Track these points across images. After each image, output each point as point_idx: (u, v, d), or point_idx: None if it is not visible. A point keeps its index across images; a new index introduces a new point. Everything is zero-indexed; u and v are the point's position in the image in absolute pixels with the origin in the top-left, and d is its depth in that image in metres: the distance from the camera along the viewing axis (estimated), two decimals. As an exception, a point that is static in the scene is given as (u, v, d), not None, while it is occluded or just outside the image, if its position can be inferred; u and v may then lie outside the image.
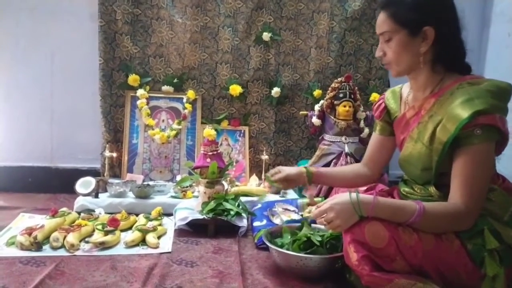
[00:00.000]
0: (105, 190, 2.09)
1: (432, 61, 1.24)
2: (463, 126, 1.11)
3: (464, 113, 1.11)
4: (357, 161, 2.20)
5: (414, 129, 1.27)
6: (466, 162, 1.13)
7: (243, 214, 1.81)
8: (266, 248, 1.54)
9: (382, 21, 1.25)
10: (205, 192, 1.83)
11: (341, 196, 1.19)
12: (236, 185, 2.25)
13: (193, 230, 1.79)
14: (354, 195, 1.16)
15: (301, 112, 2.50)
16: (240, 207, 1.83)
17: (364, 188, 1.48)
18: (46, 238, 1.58)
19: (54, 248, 1.54)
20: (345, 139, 2.28)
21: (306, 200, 1.91)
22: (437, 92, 1.23)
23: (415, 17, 1.19)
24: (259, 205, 1.93)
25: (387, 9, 1.24)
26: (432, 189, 1.25)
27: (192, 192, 2.11)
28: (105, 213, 1.89)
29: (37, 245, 1.52)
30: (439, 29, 1.19)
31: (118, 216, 1.77)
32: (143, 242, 1.63)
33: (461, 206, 1.12)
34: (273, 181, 1.53)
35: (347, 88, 2.31)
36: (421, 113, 1.26)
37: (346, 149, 2.24)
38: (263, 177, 2.34)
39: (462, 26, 1.23)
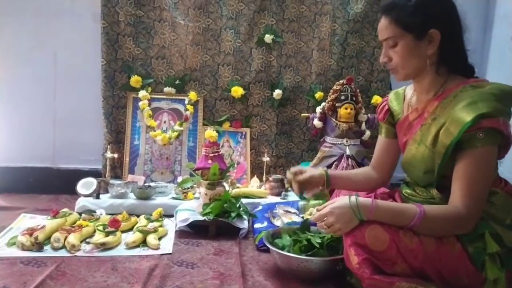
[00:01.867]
0: (106, 191, 2.10)
1: (437, 63, 1.23)
2: (466, 129, 1.10)
3: (467, 116, 1.10)
4: (358, 163, 2.20)
5: (417, 131, 1.27)
6: (468, 165, 1.13)
7: (244, 216, 1.81)
8: (267, 250, 1.53)
9: (385, 26, 1.23)
10: (206, 194, 1.83)
11: (341, 200, 1.19)
12: (237, 187, 2.25)
13: (194, 231, 1.79)
14: (353, 198, 1.16)
15: (302, 114, 2.50)
16: (241, 208, 1.83)
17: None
18: (47, 239, 1.59)
19: (55, 249, 1.54)
20: (347, 141, 2.28)
21: (307, 202, 1.91)
22: (441, 95, 1.23)
23: (420, 21, 1.18)
24: (260, 207, 1.93)
25: (389, 14, 1.22)
26: (434, 191, 1.25)
27: (193, 194, 2.11)
28: (106, 214, 1.89)
29: (38, 246, 1.52)
30: (444, 30, 1.18)
31: (119, 217, 1.77)
32: (144, 243, 1.63)
33: (462, 209, 1.12)
34: (296, 181, 1.44)
35: (349, 91, 2.31)
36: (424, 115, 1.25)
37: (348, 152, 2.24)
38: (264, 179, 2.34)
39: (465, 26, 1.23)
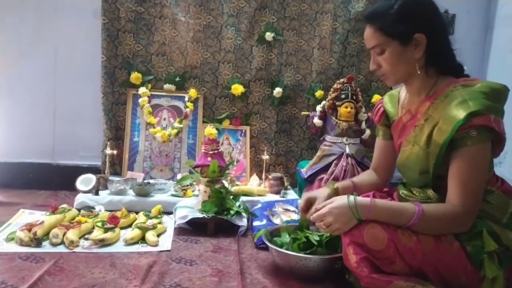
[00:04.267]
0: (106, 188, 2.09)
1: (426, 65, 1.24)
2: (459, 127, 1.11)
3: (459, 114, 1.11)
4: (358, 162, 2.19)
5: (410, 132, 1.28)
6: (462, 163, 1.14)
7: (243, 214, 1.81)
8: (266, 248, 1.53)
9: (370, 35, 1.25)
10: (205, 191, 1.82)
11: (340, 200, 1.20)
12: (237, 185, 2.25)
13: (193, 228, 1.78)
14: (352, 198, 1.17)
15: (302, 113, 2.50)
16: (241, 206, 1.83)
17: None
18: (46, 234, 1.59)
19: (54, 245, 1.54)
20: (346, 140, 2.28)
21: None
22: (432, 95, 1.24)
23: (404, 27, 1.19)
24: (259, 205, 1.93)
25: (373, 23, 1.24)
26: (430, 192, 1.26)
27: (193, 191, 2.11)
28: (105, 210, 1.89)
29: (37, 241, 1.52)
30: (429, 33, 1.19)
31: (118, 213, 1.77)
32: (142, 240, 1.64)
33: (459, 207, 1.13)
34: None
35: (349, 89, 2.30)
36: (417, 116, 1.26)
37: (347, 150, 2.23)
38: (263, 177, 2.34)
39: (448, 27, 1.24)
